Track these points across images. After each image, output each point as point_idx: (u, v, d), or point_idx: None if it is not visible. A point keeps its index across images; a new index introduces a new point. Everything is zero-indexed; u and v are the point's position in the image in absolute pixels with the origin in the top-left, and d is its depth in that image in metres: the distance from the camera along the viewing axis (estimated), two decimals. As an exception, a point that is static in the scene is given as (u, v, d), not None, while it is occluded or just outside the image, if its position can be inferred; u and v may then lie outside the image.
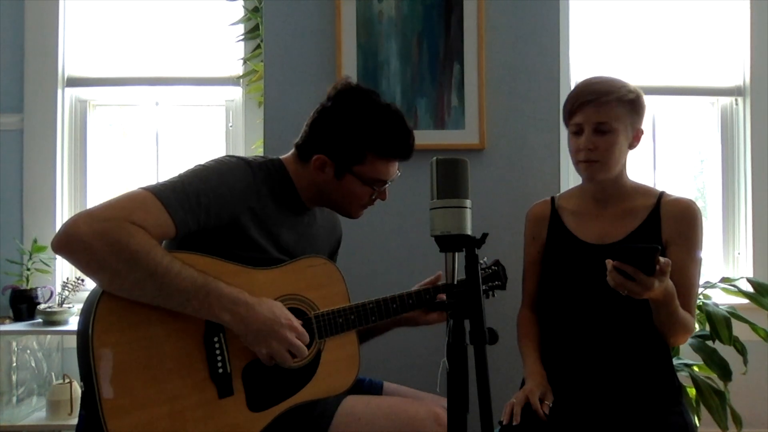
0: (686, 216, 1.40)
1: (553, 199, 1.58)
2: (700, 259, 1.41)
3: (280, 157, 1.35)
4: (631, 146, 1.44)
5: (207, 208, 1.15)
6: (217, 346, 1.15)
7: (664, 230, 1.41)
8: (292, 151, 1.35)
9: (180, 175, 1.18)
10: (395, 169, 1.34)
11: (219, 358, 1.15)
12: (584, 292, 1.42)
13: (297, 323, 1.19)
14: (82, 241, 1.03)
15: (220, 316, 1.12)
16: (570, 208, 1.53)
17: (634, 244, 1.16)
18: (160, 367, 1.10)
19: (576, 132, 1.42)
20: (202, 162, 1.23)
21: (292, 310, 1.22)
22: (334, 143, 1.27)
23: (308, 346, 1.21)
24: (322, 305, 1.30)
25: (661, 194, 1.46)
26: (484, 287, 1.38)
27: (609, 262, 1.16)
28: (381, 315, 1.33)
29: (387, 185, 1.34)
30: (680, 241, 1.39)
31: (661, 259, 1.14)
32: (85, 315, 1.08)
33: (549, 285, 1.52)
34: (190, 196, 1.13)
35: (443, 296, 1.38)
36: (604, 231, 1.45)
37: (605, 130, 1.38)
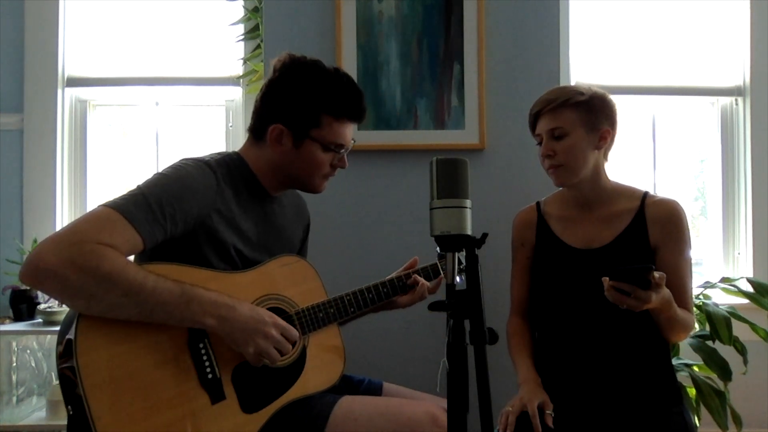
0: (672, 218, 1.41)
1: (538, 204, 1.60)
2: (690, 257, 1.43)
3: (236, 150, 1.36)
4: (598, 147, 1.44)
5: (172, 217, 1.13)
6: (203, 352, 1.15)
7: (651, 234, 1.42)
8: (247, 138, 1.35)
9: (139, 187, 1.15)
10: (351, 133, 1.34)
11: (207, 364, 1.15)
12: (577, 297, 1.43)
13: (280, 320, 1.19)
14: (52, 270, 1.00)
15: (204, 322, 1.11)
16: (555, 214, 1.54)
17: (629, 266, 1.20)
18: (149, 379, 1.09)
19: (539, 143, 1.47)
20: (161, 170, 1.22)
21: (272, 309, 1.23)
22: (289, 109, 1.27)
23: (292, 345, 1.21)
24: (301, 302, 1.31)
25: (645, 195, 1.47)
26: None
27: (606, 281, 1.18)
28: (359, 306, 1.37)
29: (345, 151, 1.34)
30: (669, 243, 1.41)
31: (656, 274, 1.17)
32: (66, 337, 1.07)
33: (541, 291, 1.52)
34: (153, 207, 1.11)
35: (417, 277, 1.44)
36: (590, 235, 1.47)
37: (560, 135, 1.42)
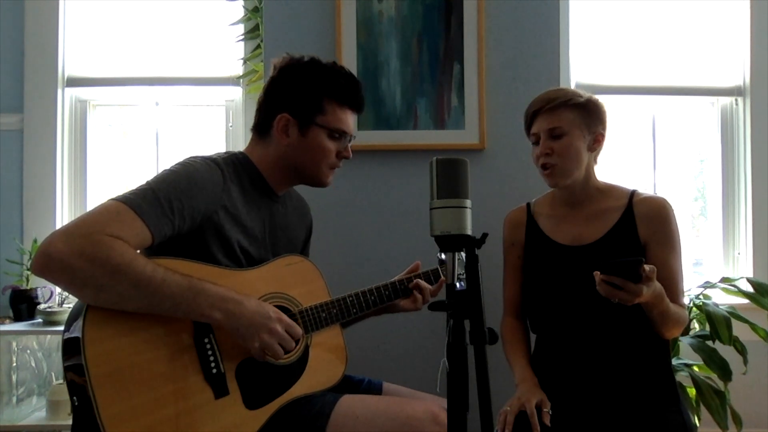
0: (660, 215, 1.43)
1: (528, 205, 1.61)
2: (680, 253, 1.45)
3: (241, 150, 1.38)
4: (592, 149, 1.47)
5: (180, 212, 1.15)
6: (208, 347, 1.16)
7: (640, 230, 1.43)
8: (251, 138, 1.39)
9: (149, 182, 1.17)
10: (353, 123, 1.37)
11: (212, 359, 1.16)
12: (569, 294, 1.44)
13: (285, 316, 1.21)
14: (62, 260, 1.01)
15: (211, 315, 1.12)
16: (545, 213, 1.57)
17: (620, 259, 1.21)
18: (155, 372, 1.09)
19: (535, 142, 1.49)
20: (169, 167, 1.23)
21: (277, 307, 1.23)
22: (293, 98, 1.31)
23: (296, 342, 1.22)
24: (305, 301, 1.33)
25: (632, 193, 1.49)
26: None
27: (597, 275, 1.19)
28: (361, 307, 1.39)
29: (349, 141, 1.37)
30: (658, 239, 1.42)
31: (646, 267, 1.17)
32: (74, 327, 1.07)
33: (533, 290, 1.53)
34: (162, 202, 1.13)
35: (419, 281, 1.46)
36: (579, 232, 1.48)
37: (558, 134, 1.44)
